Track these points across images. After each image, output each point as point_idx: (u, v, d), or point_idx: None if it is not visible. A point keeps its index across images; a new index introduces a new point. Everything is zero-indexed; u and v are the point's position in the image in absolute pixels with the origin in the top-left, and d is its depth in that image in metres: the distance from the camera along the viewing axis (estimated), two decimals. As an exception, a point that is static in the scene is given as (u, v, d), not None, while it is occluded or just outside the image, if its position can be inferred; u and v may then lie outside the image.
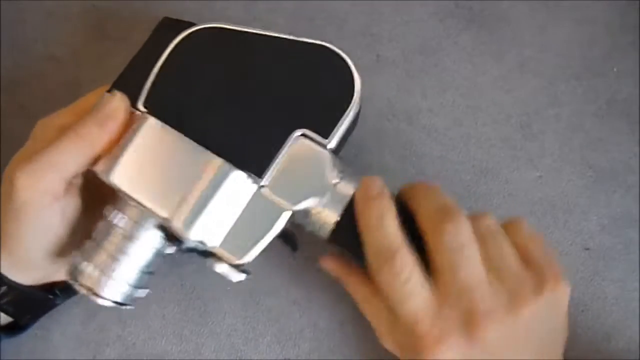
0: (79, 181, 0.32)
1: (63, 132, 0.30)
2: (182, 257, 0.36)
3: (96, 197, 0.33)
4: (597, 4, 0.44)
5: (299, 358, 0.37)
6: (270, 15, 0.44)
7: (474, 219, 0.30)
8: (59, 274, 0.34)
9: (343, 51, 0.32)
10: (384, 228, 0.29)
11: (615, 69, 0.43)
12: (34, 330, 0.37)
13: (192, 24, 0.32)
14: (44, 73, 0.43)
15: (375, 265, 0.29)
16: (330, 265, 0.34)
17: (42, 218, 0.30)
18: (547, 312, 0.30)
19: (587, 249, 0.39)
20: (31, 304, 0.34)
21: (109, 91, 0.32)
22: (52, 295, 0.34)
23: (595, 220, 0.40)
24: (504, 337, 0.28)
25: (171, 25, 0.33)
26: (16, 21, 0.44)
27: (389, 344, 0.32)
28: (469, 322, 0.28)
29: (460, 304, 0.28)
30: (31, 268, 0.33)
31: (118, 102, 0.31)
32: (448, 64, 0.43)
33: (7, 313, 0.33)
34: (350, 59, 0.32)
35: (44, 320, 0.37)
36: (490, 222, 0.31)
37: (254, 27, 0.32)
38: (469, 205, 0.40)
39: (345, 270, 0.33)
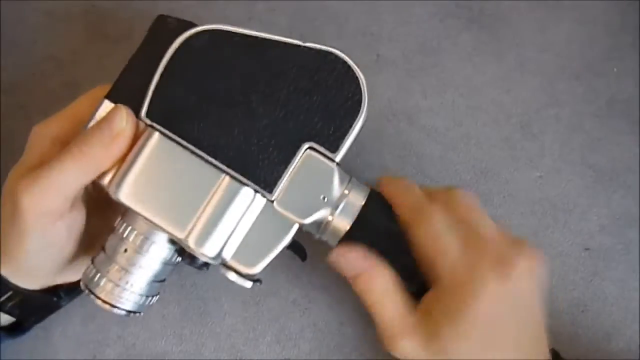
0: (82, 193, 0.31)
1: (63, 147, 0.29)
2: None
3: (101, 200, 0.32)
4: (597, 4, 0.44)
5: (299, 358, 0.37)
6: (270, 15, 0.44)
7: (445, 192, 0.32)
8: (64, 277, 0.34)
9: (350, 58, 0.31)
10: (413, 190, 0.32)
11: (615, 69, 0.43)
12: (34, 330, 0.37)
13: (189, 23, 0.31)
14: (44, 73, 0.43)
15: (412, 220, 0.31)
16: (355, 256, 0.31)
17: (48, 237, 0.30)
18: (530, 276, 0.30)
19: (587, 249, 0.39)
20: (36, 307, 0.34)
21: (107, 96, 0.31)
22: (57, 297, 0.34)
23: (595, 220, 0.40)
24: (524, 285, 0.30)
25: (167, 25, 0.32)
26: (16, 21, 0.44)
27: (401, 348, 0.30)
28: (499, 264, 0.29)
29: (485, 251, 0.30)
30: (37, 278, 0.32)
31: (126, 119, 0.30)
32: (448, 64, 0.43)
33: (12, 316, 0.33)
34: (350, 58, 0.31)
35: (44, 321, 0.37)
36: (460, 192, 0.32)
37: (253, 29, 0.31)
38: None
39: (366, 260, 0.31)
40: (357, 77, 0.31)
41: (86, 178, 0.29)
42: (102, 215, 0.33)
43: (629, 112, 0.42)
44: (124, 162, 0.30)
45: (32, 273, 0.32)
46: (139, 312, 0.32)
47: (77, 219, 0.31)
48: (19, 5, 0.45)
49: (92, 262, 0.31)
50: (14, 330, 0.35)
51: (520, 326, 0.30)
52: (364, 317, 0.38)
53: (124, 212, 0.31)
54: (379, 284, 0.31)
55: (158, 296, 0.33)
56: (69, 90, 0.42)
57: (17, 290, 0.32)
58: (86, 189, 0.31)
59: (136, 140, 0.30)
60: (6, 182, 0.30)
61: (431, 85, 0.43)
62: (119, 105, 0.30)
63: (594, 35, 0.44)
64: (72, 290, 0.35)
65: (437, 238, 0.30)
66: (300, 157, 0.30)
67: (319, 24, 0.44)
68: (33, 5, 0.45)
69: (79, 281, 0.34)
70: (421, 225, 0.31)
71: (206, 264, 0.31)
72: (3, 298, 0.32)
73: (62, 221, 0.30)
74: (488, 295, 0.29)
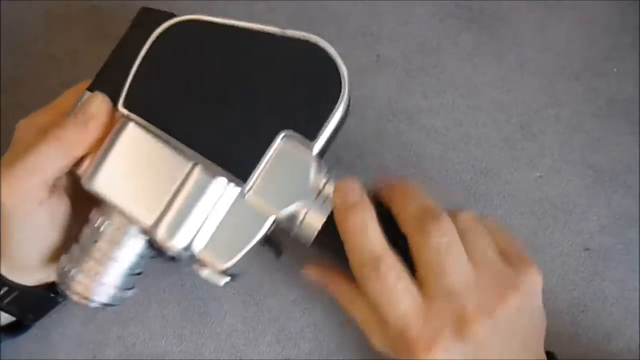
0: (63, 182, 0.31)
1: (42, 134, 0.30)
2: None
3: (85, 195, 0.33)
4: (597, 4, 0.44)
5: (299, 358, 0.37)
6: (270, 15, 0.44)
7: (453, 215, 0.30)
8: None
9: (332, 45, 0.30)
10: (367, 235, 0.29)
11: (615, 69, 0.43)
12: (34, 330, 0.37)
13: (171, 15, 0.31)
14: (44, 73, 0.43)
15: (360, 274, 0.29)
16: (314, 273, 0.33)
17: (29, 223, 0.30)
18: (527, 302, 0.30)
19: (587, 249, 0.39)
20: (34, 304, 0.35)
21: (89, 88, 0.31)
22: (54, 293, 0.34)
23: (595, 220, 0.40)
24: (493, 331, 0.29)
25: (149, 17, 0.31)
26: (16, 21, 0.44)
27: (379, 345, 0.32)
28: (460, 322, 0.28)
29: (449, 305, 0.28)
30: (30, 270, 0.33)
31: (99, 104, 0.30)
32: (448, 64, 0.43)
33: (10, 313, 0.33)
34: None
35: (44, 321, 0.37)
36: (469, 216, 0.31)
37: (233, 19, 0.31)
38: (469, 206, 0.40)
39: (330, 276, 0.33)
40: (336, 65, 0.30)
41: (61, 162, 0.30)
42: (89, 208, 0.33)
43: (629, 112, 0.42)
44: (98, 151, 0.30)
45: (22, 264, 0.32)
46: (115, 305, 0.32)
47: (59, 207, 0.31)
48: (19, 5, 0.45)
49: (66, 253, 0.31)
50: (14, 329, 0.35)
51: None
52: (364, 317, 0.38)
53: (98, 203, 0.31)
54: (347, 295, 0.32)
55: (134, 289, 0.33)
56: (69, 90, 0.42)
57: (13, 286, 0.32)
58: (71, 180, 0.31)
59: (112, 127, 0.30)
60: None
61: (431, 85, 0.43)
62: (95, 92, 0.31)
63: (594, 35, 0.44)
64: None
65: (436, 264, 0.29)
66: (277, 146, 0.29)
67: (319, 24, 0.44)
68: (33, 5, 0.45)
69: None
70: (422, 241, 0.29)
71: (174, 258, 0.31)
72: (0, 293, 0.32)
73: (42, 207, 0.30)
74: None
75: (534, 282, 0.30)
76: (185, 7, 0.44)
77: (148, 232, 0.30)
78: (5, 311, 0.33)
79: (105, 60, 0.32)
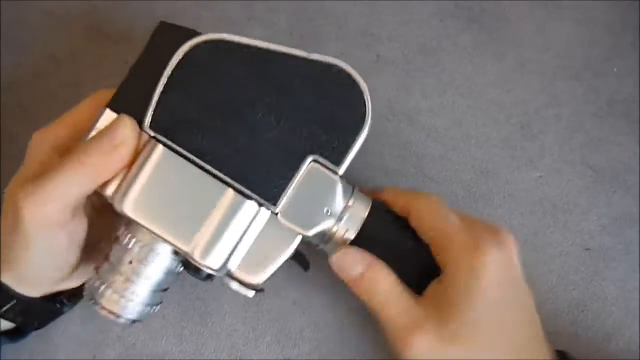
0: (83, 202, 0.31)
1: (63, 155, 0.29)
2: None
3: (103, 207, 0.32)
4: (597, 4, 0.44)
5: (299, 358, 0.37)
6: (270, 15, 0.44)
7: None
8: (66, 284, 0.34)
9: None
10: (445, 215, 0.31)
11: (615, 69, 0.43)
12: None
13: (191, 31, 0.31)
14: (44, 73, 0.43)
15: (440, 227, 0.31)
16: (350, 255, 0.32)
17: (49, 247, 0.30)
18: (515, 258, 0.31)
19: (587, 249, 0.39)
20: (38, 314, 0.34)
21: (110, 106, 0.30)
22: (59, 304, 0.34)
23: (595, 220, 0.40)
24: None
25: (169, 32, 0.31)
26: (16, 21, 0.44)
27: (415, 337, 0.30)
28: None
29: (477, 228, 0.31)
30: (40, 286, 0.32)
31: (128, 131, 0.29)
32: (448, 64, 0.43)
33: (15, 323, 0.33)
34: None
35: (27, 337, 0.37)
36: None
37: (258, 39, 0.31)
38: (469, 205, 0.40)
39: (365, 259, 0.32)
40: (361, 90, 0.31)
41: (86, 188, 0.29)
42: (103, 222, 0.33)
43: (629, 112, 0.42)
44: (128, 174, 0.30)
45: (34, 282, 0.32)
46: (142, 321, 0.32)
47: (79, 228, 0.31)
48: (19, 5, 0.45)
49: (97, 272, 0.31)
50: (14, 334, 0.35)
51: (520, 312, 0.31)
52: (364, 317, 0.38)
53: (128, 222, 0.31)
54: (381, 284, 0.31)
55: (161, 304, 0.33)
56: (69, 90, 0.42)
57: (20, 299, 0.32)
58: (88, 197, 0.31)
59: (138, 151, 0.30)
60: (6, 190, 0.30)
61: (431, 85, 0.43)
62: (122, 115, 0.30)
63: (594, 35, 0.44)
64: (73, 295, 0.35)
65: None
66: (304, 170, 0.30)
67: (318, 24, 0.44)
68: (33, 5, 0.45)
69: (80, 287, 0.34)
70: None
71: (210, 276, 0.31)
72: (6, 307, 0.32)
73: (63, 230, 0.30)
74: (491, 280, 0.29)
75: (511, 242, 0.31)
76: (186, 7, 0.44)
77: (183, 254, 0.30)
78: (10, 321, 0.33)
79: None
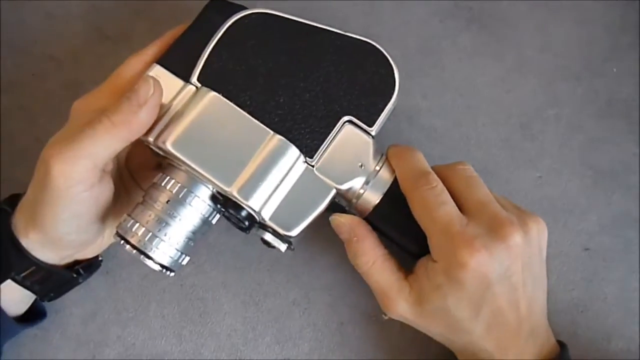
0: (111, 166, 0.32)
1: (97, 117, 0.30)
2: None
3: (125, 176, 0.34)
4: (597, 4, 0.45)
5: (298, 358, 0.37)
6: (270, 15, 0.44)
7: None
8: (83, 254, 0.35)
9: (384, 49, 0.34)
10: (416, 157, 0.34)
11: (615, 69, 0.43)
12: (34, 330, 0.37)
13: (240, 6, 0.33)
14: (44, 73, 0.43)
15: (411, 183, 0.33)
16: (347, 221, 0.33)
17: (75, 205, 0.30)
18: (542, 239, 0.33)
19: (587, 249, 0.39)
20: (56, 283, 0.35)
21: (159, 62, 0.32)
22: (76, 273, 0.35)
23: (595, 220, 0.40)
24: (525, 242, 0.31)
25: (221, 5, 0.34)
26: (16, 21, 0.44)
27: (399, 306, 0.33)
28: (495, 228, 0.31)
29: (483, 217, 0.31)
30: (61, 247, 0.33)
31: (153, 88, 0.30)
32: (448, 64, 0.43)
33: (32, 291, 0.34)
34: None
35: (44, 321, 0.37)
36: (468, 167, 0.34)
37: (301, 17, 0.34)
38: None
39: (361, 230, 0.33)
40: (390, 64, 0.34)
41: (115, 146, 0.30)
42: (126, 197, 0.34)
43: (629, 112, 0.42)
44: (173, 117, 0.31)
45: (56, 244, 0.32)
46: (171, 271, 0.32)
47: (105, 192, 0.31)
48: (19, 5, 0.45)
49: (129, 215, 0.32)
50: (27, 319, 0.35)
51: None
52: (364, 317, 0.38)
53: (165, 166, 0.32)
54: (371, 251, 0.33)
55: (189, 258, 0.33)
56: (69, 91, 0.42)
57: (39, 265, 0.32)
58: (116, 163, 0.32)
59: (185, 103, 0.31)
60: (43, 151, 0.30)
61: (431, 85, 0.43)
62: (146, 75, 0.31)
63: (594, 35, 0.44)
64: (89, 265, 0.36)
65: (430, 209, 0.31)
66: (340, 128, 0.33)
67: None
68: (33, 5, 0.45)
69: (96, 257, 0.36)
70: (415, 193, 0.32)
71: (246, 225, 0.32)
72: (25, 273, 0.32)
73: (89, 191, 0.30)
74: (474, 264, 0.30)
75: (540, 225, 0.32)
76: (186, 7, 0.44)
77: (224, 193, 0.31)
78: (28, 289, 0.33)
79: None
